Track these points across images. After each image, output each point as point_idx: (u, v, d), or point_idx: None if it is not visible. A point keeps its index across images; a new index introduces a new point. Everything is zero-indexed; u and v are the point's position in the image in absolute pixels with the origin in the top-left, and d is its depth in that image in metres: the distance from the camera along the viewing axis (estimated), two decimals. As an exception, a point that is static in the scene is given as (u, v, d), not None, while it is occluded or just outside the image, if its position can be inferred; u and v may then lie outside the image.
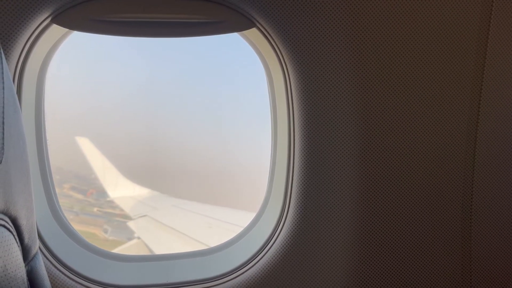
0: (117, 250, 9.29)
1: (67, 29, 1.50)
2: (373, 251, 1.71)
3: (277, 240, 1.69)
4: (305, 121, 1.60)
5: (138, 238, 9.20)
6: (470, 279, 1.82)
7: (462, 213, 1.78)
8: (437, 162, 1.72)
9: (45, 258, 1.53)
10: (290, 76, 1.58)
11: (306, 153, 1.62)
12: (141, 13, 1.48)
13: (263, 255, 1.69)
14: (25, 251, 1.05)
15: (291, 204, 1.67)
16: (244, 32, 1.60)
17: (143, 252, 8.54)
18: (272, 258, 1.67)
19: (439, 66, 1.65)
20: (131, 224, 9.87)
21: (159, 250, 8.36)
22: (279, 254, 1.67)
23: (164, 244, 8.49)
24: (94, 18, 1.45)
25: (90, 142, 11.08)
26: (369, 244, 1.70)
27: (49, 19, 1.42)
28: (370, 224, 1.69)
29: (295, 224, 1.66)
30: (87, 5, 1.43)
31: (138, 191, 11.01)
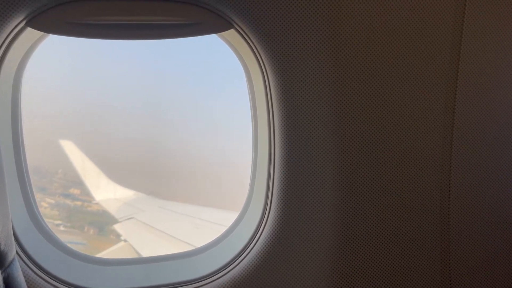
0: (104, 253, 9.20)
1: (43, 33, 1.48)
2: (355, 246, 1.72)
3: (260, 238, 1.69)
4: (284, 120, 1.61)
5: (125, 241, 9.10)
6: (450, 275, 1.84)
7: (440, 210, 1.80)
8: (415, 158, 1.74)
9: (23, 263, 1.51)
10: (269, 77, 1.59)
11: (287, 152, 1.63)
12: (118, 16, 1.47)
13: (247, 254, 1.70)
14: (1, 257, 1.04)
15: (272, 203, 1.68)
16: (222, 33, 1.60)
17: (130, 255, 8.46)
18: (255, 257, 1.68)
19: (415, 66, 1.67)
20: (117, 227, 9.77)
21: (146, 252, 8.29)
22: (263, 252, 1.67)
23: (152, 246, 8.42)
24: (70, 21, 1.43)
25: (73, 145, 10.95)
26: (350, 241, 1.71)
27: (24, 22, 1.41)
28: (351, 222, 1.70)
29: (277, 223, 1.67)
30: (62, 8, 1.42)
31: (124, 193, 10.91)
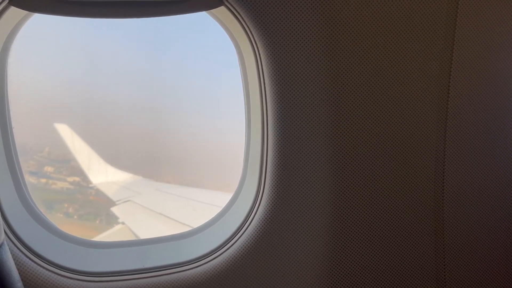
0: (101, 236, 9.24)
1: (27, 11, 1.44)
2: (348, 225, 1.72)
3: (254, 220, 1.68)
4: (277, 99, 1.58)
5: (123, 223, 9.13)
6: (444, 276, 1.85)
7: (434, 207, 1.80)
8: (408, 149, 1.73)
9: (14, 247, 1.50)
10: (261, 54, 1.56)
11: (280, 132, 1.61)
12: None
13: (240, 236, 1.69)
14: (-13, 241, 1.02)
15: (266, 184, 1.67)
16: (212, 10, 1.56)
17: (128, 237, 8.49)
18: (249, 239, 1.67)
19: (409, 58, 1.65)
20: (114, 209, 9.78)
21: (144, 234, 8.32)
22: (256, 234, 1.67)
23: (149, 228, 8.45)
24: None
25: (69, 128, 10.88)
26: (343, 220, 1.71)
27: (6, 1, 1.36)
28: (344, 202, 1.69)
29: (271, 204, 1.66)
30: None
31: (120, 176, 10.90)
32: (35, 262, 1.52)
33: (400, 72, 1.66)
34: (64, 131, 11.07)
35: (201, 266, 1.65)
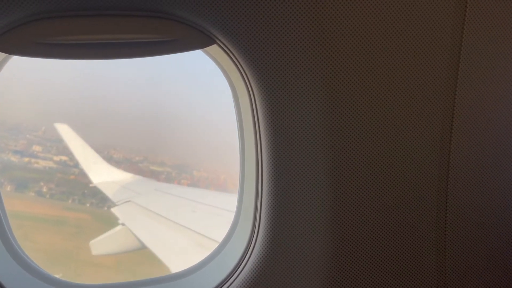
0: (102, 238, 9.24)
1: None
2: (347, 262, 1.66)
3: (247, 265, 1.62)
4: (271, 137, 1.53)
5: (123, 224, 9.14)
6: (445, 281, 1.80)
7: (437, 226, 1.74)
8: (411, 171, 1.67)
9: None
10: (254, 91, 1.50)
11: (274, 170, 1.55)
12: (89, 35, 1.35)
13: (238, 275, 1.64)
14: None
15: (260, 226, 1.61)
16: (205, 48, 1.50)
17: (129, 238, 8.50)
18: (246, 277, 1.61)
19: (412, 75, 1.58)
20: (115, 210, 9.79)
21: (144, 236, 8.32)
22: (250, 280, 1.61)
23: (149, 230, 8.45)
24: (36, 41, 1.32)
25: (69, 128, 10.85)
26: (342, 257, 1.65)
27: None
28: (343, 238, 1.63)
29: (265, 247, 1.60)
30: (26, 28, 1.30)
31: (121, 175, 10.90)
32: None
33: (404, 95, 1.59)
34: (65, 131, 11.06)
35: None
